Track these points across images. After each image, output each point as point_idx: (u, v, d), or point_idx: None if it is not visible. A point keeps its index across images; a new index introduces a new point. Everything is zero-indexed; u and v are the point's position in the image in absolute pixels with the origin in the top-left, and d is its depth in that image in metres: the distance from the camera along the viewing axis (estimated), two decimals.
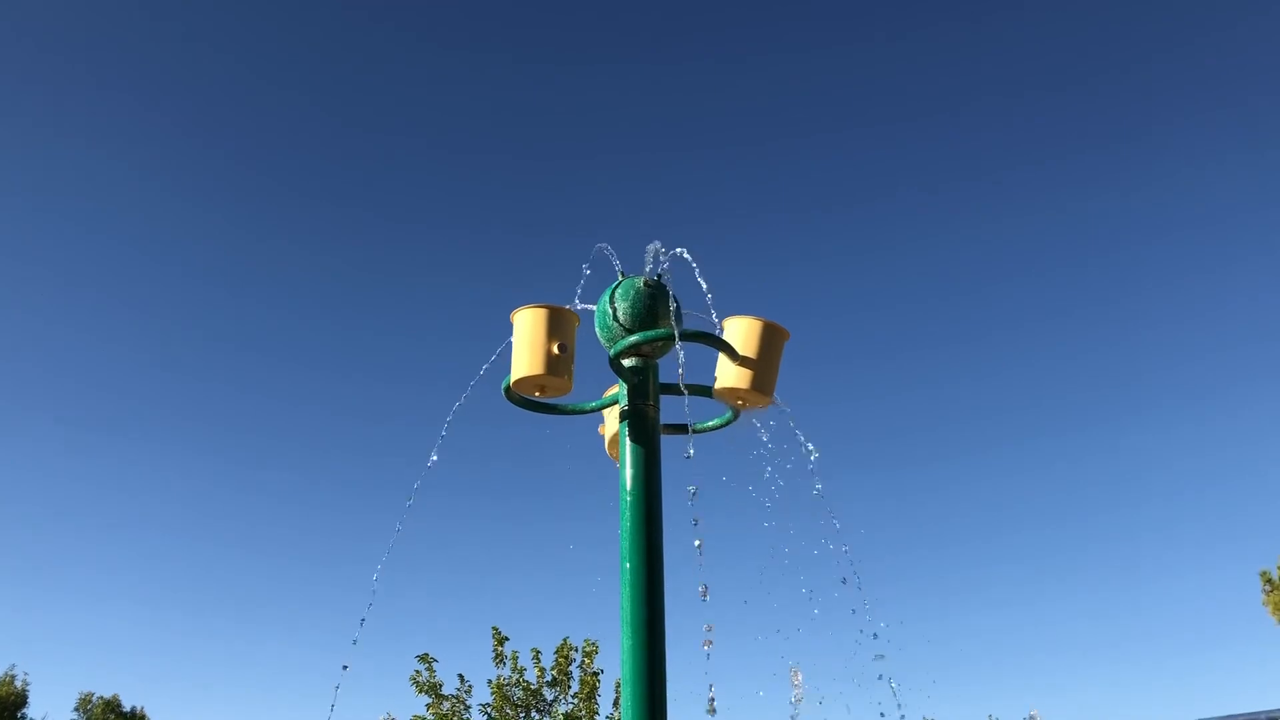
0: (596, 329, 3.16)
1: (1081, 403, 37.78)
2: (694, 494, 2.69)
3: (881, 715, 3.09)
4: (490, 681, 13.36)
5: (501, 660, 13.45)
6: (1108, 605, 33.29)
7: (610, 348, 3.09)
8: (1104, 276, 37.51)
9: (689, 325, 3.14)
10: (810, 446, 3.09)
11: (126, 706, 26.11)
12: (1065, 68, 36.48)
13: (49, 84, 36.30)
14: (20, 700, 23.86)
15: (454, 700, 13.34)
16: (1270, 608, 16.90)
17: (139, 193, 38.36)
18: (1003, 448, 37.31)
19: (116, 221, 38.48)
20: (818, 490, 3.13)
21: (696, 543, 2.71)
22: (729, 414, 3.23)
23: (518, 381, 3.06)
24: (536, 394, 3.12)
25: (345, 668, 3.15)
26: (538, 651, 13.53)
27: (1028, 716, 19.80)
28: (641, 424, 3.04)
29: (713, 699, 2.60)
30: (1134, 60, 36.08)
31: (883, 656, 3.10)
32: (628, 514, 2.93)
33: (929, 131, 37.59)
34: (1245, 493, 33.47)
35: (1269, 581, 17.02)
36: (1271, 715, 8.52)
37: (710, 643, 2.61)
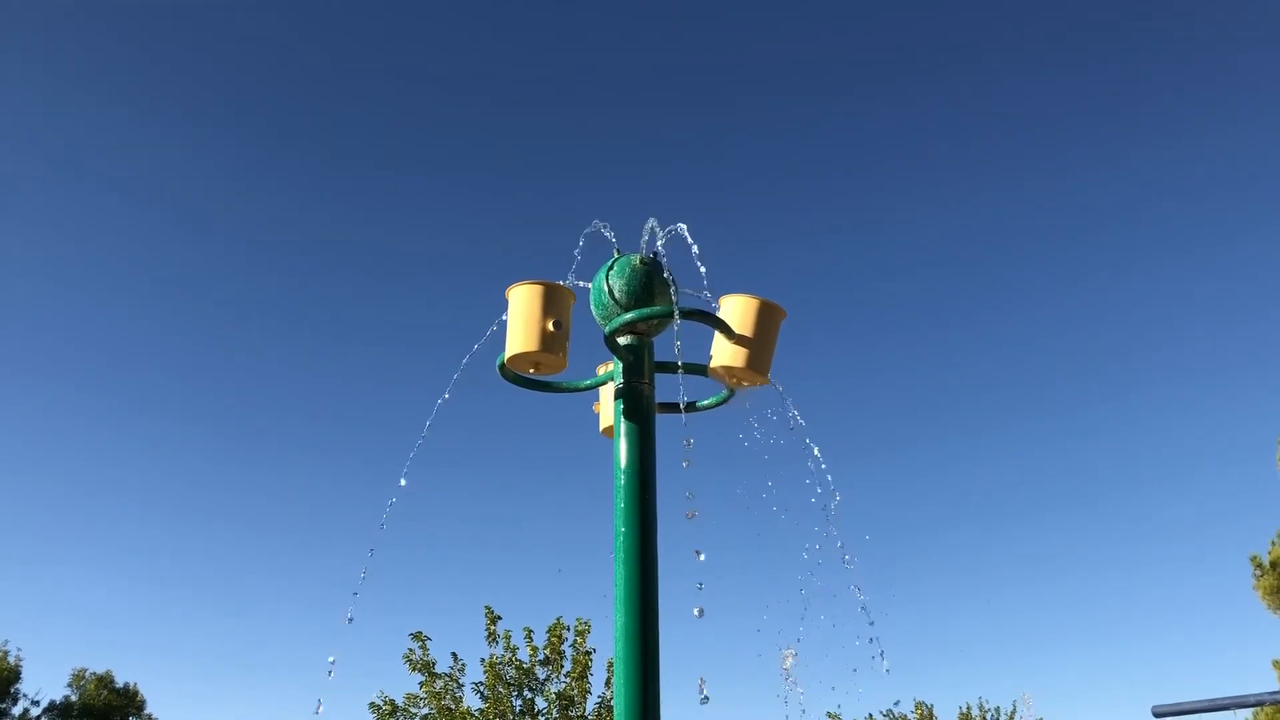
0: (592, 306, 3.15)
1: (1072, 386, 37.85)
2: (688, 465, 2.69)
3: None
4: (483, 660, 13.40)
5: (494, 639, 13.49)
6: (1099, 589, 33.47)
7: (606, 325, 3.08)
8: (1097, 257, 37.51)
9: (685, 303, 3.12)
10: (826, 470, 3.09)
11: (120, 683, 26.15)
12: (1071, 31, 36.13)
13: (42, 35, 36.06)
14: (14, 676, 23.90)
15: (447, 679, 13.39)
16: (1260, 592, 16.99)
17: (112, 140, 38.15)
18: (995, 431, 37.39)
19: (87, 163, 37.95)
20: (818, 463, 3.13)
21: (690, 514, 2.70)
22: (724, 392, 3.23)
23: (512, 358, 3.04)
24: (531, 371, 3.10)
25: (338, 652, 3.14)
26: (530, 630, 13.56)
27: (1019, 700, 19.97)
28: (636, 402, 3.03)
29: (704, 690, 2.60)
30: (1135, 29, 35.91)
31: (881, 649, 3.10)
32: (622, 492, 2.92)
33: (929, 101, 37.45)
34: (1236, 477, 33.60)
35: (1259, 566, 17.11)
36: (1261, 699, 8.58)
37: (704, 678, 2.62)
